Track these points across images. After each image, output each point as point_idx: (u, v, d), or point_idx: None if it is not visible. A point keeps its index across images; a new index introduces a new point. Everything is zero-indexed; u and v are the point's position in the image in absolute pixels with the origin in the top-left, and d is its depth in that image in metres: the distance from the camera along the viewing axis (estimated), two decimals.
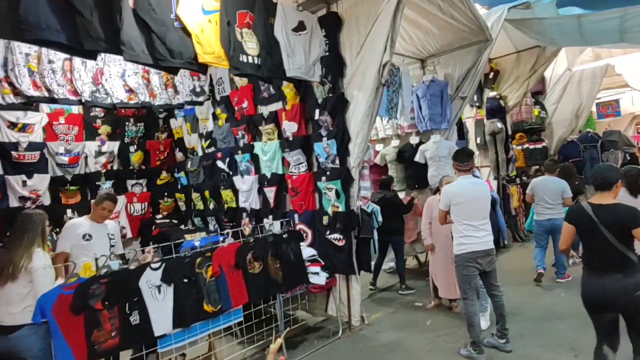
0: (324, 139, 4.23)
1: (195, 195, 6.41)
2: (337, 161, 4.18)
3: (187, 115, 6.42)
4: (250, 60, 3.50)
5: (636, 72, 10.10)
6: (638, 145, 10.37)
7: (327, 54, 4.16)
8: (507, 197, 7.81)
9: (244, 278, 3.44)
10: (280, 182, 4.90)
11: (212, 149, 6.00)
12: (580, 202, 2.88)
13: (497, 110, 7.54)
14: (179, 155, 6.81)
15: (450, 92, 5.50)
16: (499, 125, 7.43)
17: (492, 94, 7.52)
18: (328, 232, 4.28)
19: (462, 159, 3.63)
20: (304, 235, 4.58)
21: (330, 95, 4.18)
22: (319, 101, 4.30)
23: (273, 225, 4.89)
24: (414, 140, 5.87)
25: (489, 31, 5.05)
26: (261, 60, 3.58)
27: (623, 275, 2.46)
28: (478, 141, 7.82)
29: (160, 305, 2.87)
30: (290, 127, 4.62)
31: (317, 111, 4.30)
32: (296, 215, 4.68)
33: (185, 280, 3.05)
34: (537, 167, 9.47)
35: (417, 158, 5.70)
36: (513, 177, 8.93)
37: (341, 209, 4.18)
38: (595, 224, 2.54)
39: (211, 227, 6.12)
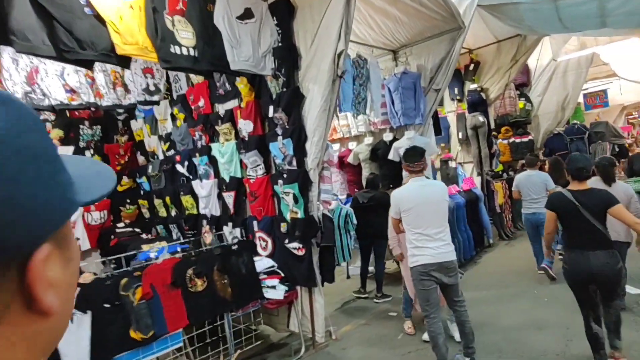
0: (280, 138, 3.84)
1: (157, 202, 6.00)
2: (294, 162, 3.79)
3: (147, 116, 5.99)
4: (185, 52, 3.10)
5: (623, 60, 9.81)
6: (627, 135, 10.11)
7: (280, 44, 3.77)
8: (491, 193, 7.47)
9: (183, 298, 3.05)
10: (239, 186, 4.50)
11: (172, 152, 5.59)
12: (559, 190, 3.19)
13: (478, 104, 7.20)
14: (141, 159, 6.39)
15: (423, 84, 5.12)
16: (481, 119, 7.09)
17: (473, 86, 7.17)
18: (287, 241, 3.90)
19: (412, 159, 3.20)
20: (264, 244, 4.21)
21: (285, 90, 3.79)
22: (273, 97, 3.91)
23: (233, 233, 4.53)
24: (387, 137, 5.50)
25: (461, 18, 4.68)
26: (198, 52, 3.18)
27: (603, 251, 2.78)
28: (460, 136, 7.48)
29: (73, 337, 2.47)
30: (245, 126, 4.23)
31: (271, 108, 3.91)
32: (255, 222, 4.29)
33: (107, 306, 2.65)
34: (523, 162, 9.17)
35: (391, 156, 5.33)
36: (499, 172, 8.61)
37: (300, 215, 3.80)
38: (577, 208, 2.83)
39: (174, 236, 5.72)
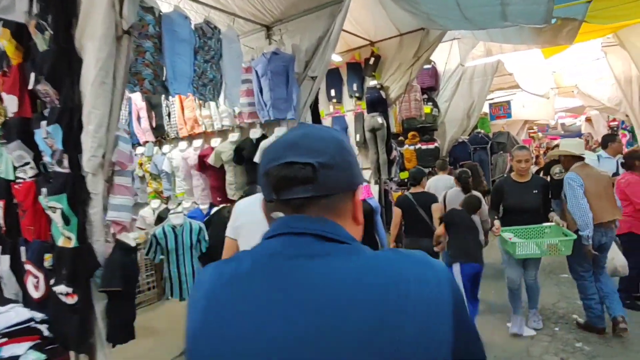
0: (44, 123, 2.49)
1: None
2: (66, 162, 2.47)
3: None
4: None
5: (525, 72, 9.82)
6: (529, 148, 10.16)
7: None
8: (389, 204, 6.71)
9: None
10: (9, 193, 3.05)
11: None
12: (405, 193, 4.41)
13: (378, 103, 6.38)
14: None
15: (297, 69, 4.06)
16: (380, 120, 6.27)
17: (373, 83, 6.34)
18: (52, 281, 2.56)
19: None
20: (35, 281, 2.81)
21: (49, 48, 2.46)
22: (38, 58, 2.55)
23: (1, 262, 3.08)
24: (255, 134, 4.35)
25: None
26: None
27: (428, 239, 3.84)
28: (357, 138, 6.62)
29: None
30: (10, 104, 2.80)
31: (32, 75, 2.54)
32: (24, 248, 2.89)
33: None
34: (429, 169, 8.68)
35: (257, 158, 4.19)
36: (404, 180, 7.96)
37: (73, 242, 2.48)
38: (414, 206, 4.09)
39: None
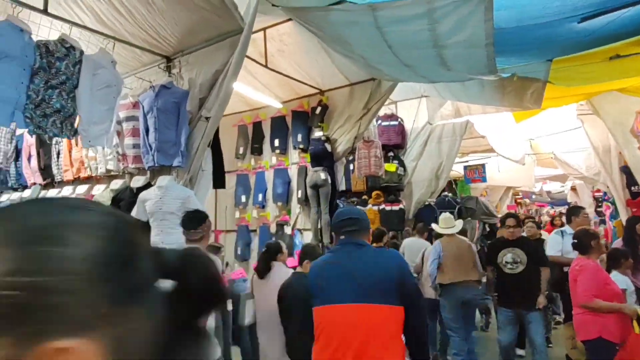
0: None
1: None
2: None
3: None
4: None
5: (499, 135, 9.33)
6: (499, 216, 9.42)
7: None
8: None
9: None
10: None
11: None
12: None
13: (323, 157, 5.67)
14: None
15: (190, 107, 3.35)
16: (323, 175, 5.51)
17: (318, 134, 5.67)
18: None
19: (190, 225, 2.51)
20: None
21: None
22: None
23: None
24: (137, 182, 3.55)
25: (238, 13, 3.07)
26: None
27: None
28: (299, 195, 5.82)
29: None
30: None
31: None
32: None
33: None
34: (394, 233, 7.83)
35: (134, 213, 3.35)
36: None
37: None
38: None
39: None
